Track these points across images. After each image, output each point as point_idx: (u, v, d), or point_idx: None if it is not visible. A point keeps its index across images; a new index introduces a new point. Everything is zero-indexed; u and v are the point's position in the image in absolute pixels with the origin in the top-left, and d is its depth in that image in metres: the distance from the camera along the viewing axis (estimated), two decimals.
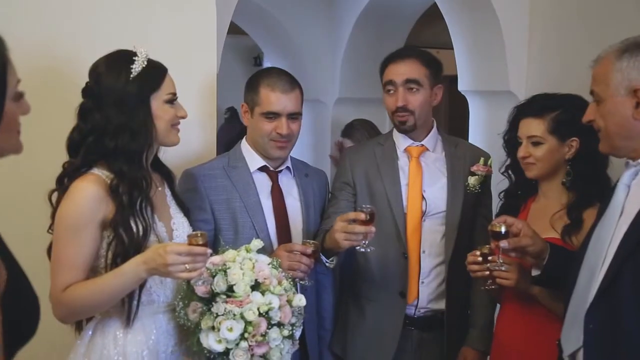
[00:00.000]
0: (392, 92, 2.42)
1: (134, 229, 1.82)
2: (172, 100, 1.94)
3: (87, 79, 1.90)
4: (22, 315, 1.38)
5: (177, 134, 1.98)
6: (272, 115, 2.26)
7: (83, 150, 1.86)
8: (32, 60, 2.21)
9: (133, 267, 1.77)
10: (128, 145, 1.85)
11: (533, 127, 2.20)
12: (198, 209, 2.20)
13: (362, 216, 2.09)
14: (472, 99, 3.61)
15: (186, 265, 1.73)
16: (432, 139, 2.50)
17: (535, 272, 2.01)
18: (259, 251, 2.01)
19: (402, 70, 2.40)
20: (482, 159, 2.45)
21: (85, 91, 1.90)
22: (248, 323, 1.83)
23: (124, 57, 1.88)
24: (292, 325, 1.93)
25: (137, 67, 1.86)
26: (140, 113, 1.86)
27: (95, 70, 1.89)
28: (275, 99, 2.25)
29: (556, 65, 3.05)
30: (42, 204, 1.86)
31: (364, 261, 2.48)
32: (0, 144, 1.29)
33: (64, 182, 1.86)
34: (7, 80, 1.25)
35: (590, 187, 2.15)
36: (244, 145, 2.37)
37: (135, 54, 1.88)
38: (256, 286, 1.90)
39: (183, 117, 1.99)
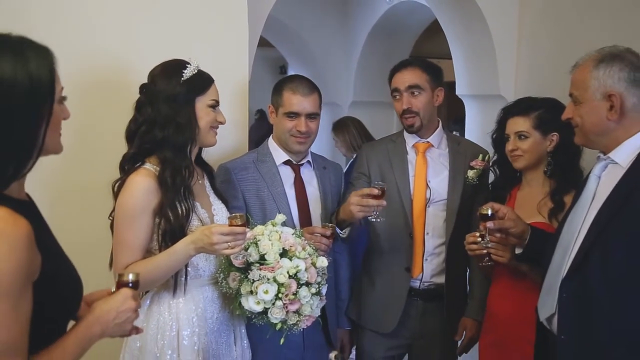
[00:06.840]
0: (398, 97, 2.58)
1: (178, 209, 1.94)
2: (214, 105, 2.06)
3: (134, 85, 2.06)
4: (67, 292, 1.42)
5: (214, 136, 2.10)
6: (293, 115, 2.41)
7: (137, 139, 1.99)
8: (81, 68, 2.37)
9: (183, 246, 1.89)
10: (174, 136, 1.96)
11: (520, 123, 2.37)
12: (232, 197, 2.33)
13: (375, 191, 2.21)
14: (468, 102, 3.72)
15: (229, 243, 1.85)
16: (437, 137, 2.64)
17: (518, 251, 2.16)
18: (283, 224, 2.14)
19: (405, 78, 2.55)
20: (480, 155, 2.60)
21: (142, 88, 2.04)
22: (280, 285, 1.96)
23: (178, 64, 2.03)
24: (319, 283, 2.05)
25: (188, 73, 2.00)
26: (186, 111, 1.99)
27: (153, 72, 2.04)
28: (296, 101, 2.40)
29: (542, 71, 3.14)
30: (105, 193, 2.02)
31: (375, 240, 2.64)
32: (46, 143, 1.33)
33: (124, 169, 2.00)
34: (55, 86, 1.33)
35: (568, 175, 2.32)
36: (271, 142, 2.52)
37: (188, 63, 2.03)
38: (284, 253, 2.01)
39: (222, 123, 2.10)
